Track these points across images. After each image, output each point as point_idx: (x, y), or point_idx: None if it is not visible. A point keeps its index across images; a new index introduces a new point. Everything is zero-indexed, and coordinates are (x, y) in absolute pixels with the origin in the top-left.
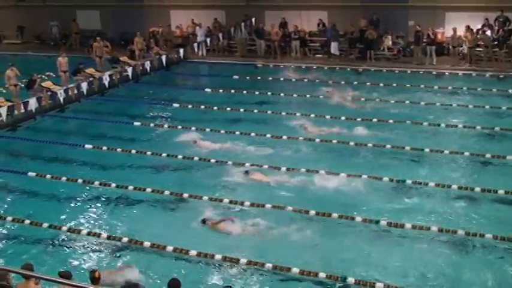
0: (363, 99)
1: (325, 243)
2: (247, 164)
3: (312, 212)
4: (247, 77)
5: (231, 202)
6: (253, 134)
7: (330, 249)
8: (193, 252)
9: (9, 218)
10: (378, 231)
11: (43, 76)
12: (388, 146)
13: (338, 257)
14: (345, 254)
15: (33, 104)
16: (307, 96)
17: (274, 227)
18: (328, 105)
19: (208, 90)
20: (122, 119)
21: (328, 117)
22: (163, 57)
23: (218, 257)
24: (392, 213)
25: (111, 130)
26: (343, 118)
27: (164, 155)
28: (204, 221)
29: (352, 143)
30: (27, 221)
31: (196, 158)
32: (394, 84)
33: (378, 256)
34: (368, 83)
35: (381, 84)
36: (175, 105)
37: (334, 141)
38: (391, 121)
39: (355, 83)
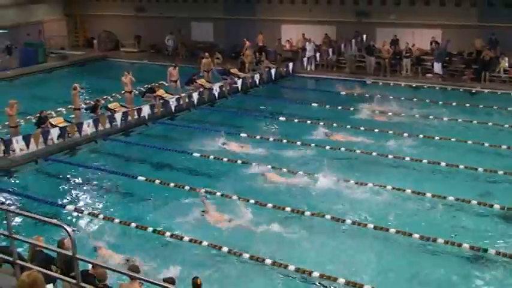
0: (475, 122)
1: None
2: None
3: None
4: (355, 94)
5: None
6: (358, 152)
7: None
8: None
9: (117, 220)
10: None
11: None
12: (501, 172)
13: None
14: None
15: (146, 110)
16: (416, 116)
17: None
18: (438, 126)
19: (315, 105)
20: (229, 130)
21: (437, 138)
22: (273, 71)
23: None
24: None
25: (219, 139)
26: (453, 140)
27: (269, 166)
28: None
29: (462, 166)
30: (133, 224)
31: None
32: (510, 108)
33: None
34: (481, 106)
35: (495, 107)
36: (282, 118)
37: (443, 163)
38: (504, 147)
39: (467, 105)
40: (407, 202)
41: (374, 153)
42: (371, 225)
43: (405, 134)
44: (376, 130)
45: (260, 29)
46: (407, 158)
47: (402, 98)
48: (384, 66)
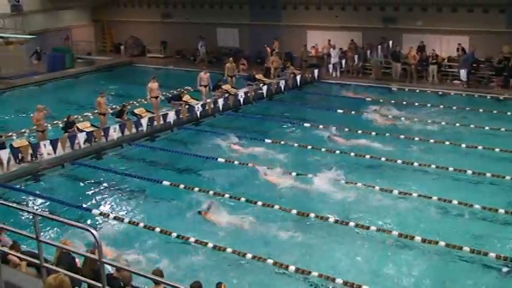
0: (502, 129)
1: None
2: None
3: None
4: (381, 100)
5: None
6: (383, 159)
7: None
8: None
9: (141, 225)
10: None
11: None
12: None
13: None
14: None
15: (172, 116)
16: (443, 123)
17: None
18: (464, 134)
19: (340, 111)
20: (253, 136)
21: (463, 146)
22: (298, 77)
23: None
24: None
25: (243, 145)
26: (480, 147)
27: (294, 173)
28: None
29: (489, 174)
30: (158, 229)
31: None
32: None
33: None
34: (509, 113)
35: None
36: (306, 124)
37: (469, 171)
38: None
39: (495, 112)
40: (433, 210)
41: (399, 161)
42: (396, 233)
43: (431, 141)
44: (402, 137)
45: (277, 35)
46: (433, 166)
47: (428, 105)
48: (409, 73)
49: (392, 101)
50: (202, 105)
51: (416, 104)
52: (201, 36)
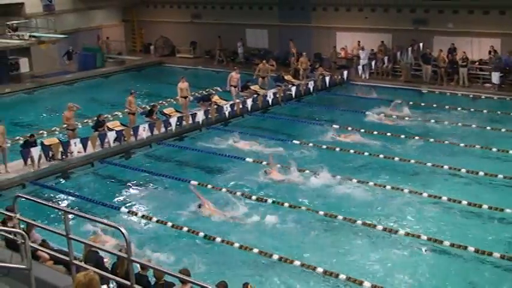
0: None
1: None
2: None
3: None
4: (411, 103)
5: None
6: (412, 161)
7: None
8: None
9: (169, 224)
10: None
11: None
12: None
13: None
14: None
15: (200, 116)
16: (473, 126)
17: None
18: (495, 137)
19: (369, 113)
20: (281, 137)
21: (494, 150)
22: (327, 78)
23: None
24: None
25: (270, 146)
26: (510, 152)
27: (323, 174)
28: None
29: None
30: (185, 228)
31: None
32: None
33: None
34: None
35: None
36: (335, 126)
37: (500, 176)
38: None
39: None
40: (462, 214)
41: (429, 164)
42: (424, 237)
43: (461, 144)
44: (432, 140)
45: (291, 36)
46: (463, 170)
47: (459, 108)
48: (440, 75)
49: (422, 104)
50: (231, 106)
51: (447, 106)
52: (241, 39)
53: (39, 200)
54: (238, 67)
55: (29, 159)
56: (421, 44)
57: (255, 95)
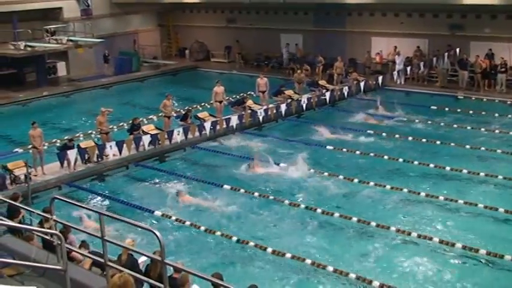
0: None
1: None
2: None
3: None
4: (447, 109)
5: None
6: (448, 168)
7: None
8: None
9: (202, 228)
10: None
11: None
12: None
13: None
14: None
15: (234, 120)
16: (510, 133)
17: None
18: None
19: (404, 119)
20: (314, 142)
21: None
22: (362, 83)
23: None
24: None
25: (304, 152)
26: None
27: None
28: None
29: None
30: (218, 233)
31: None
32: None
33: None
34: None
35: None
36: (370, 131)
37: None
38: None
39: None
40: (498, 222)
41: (464, 171)
42: (459, 245)
43: (498, 151)
44: (467, 146)
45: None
46: (500, 177)
47: (496, 115)
48: (477, 81)
49: (458, 110)
50: (264, 111)
51: (483, 113)
52: (287, 44)
53: (75, 202)
54: (267, 70)
55: (65, 162)
56: (457, 50)
57: (289, 100)
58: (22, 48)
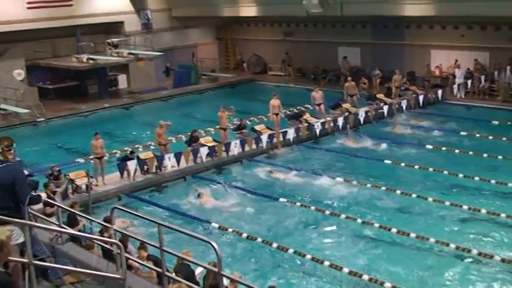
0: None
1: None
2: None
3: None
4: (509, 123)
5: None
6: (510, 185)
7: None
8: None
9: (259, 240)
10: None
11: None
12: None
13: None
14: None
15: (291, 133)
16: None
17: None
18: None
19: (463, 133)
20: (372, 155)
21: None
22: (421, 97)
23: None
24: None
25: (359, 166)
26: None
27: (414, 195)
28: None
29: None
30: (275, 245)
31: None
32: None
33: None
34: None
35: None
36: (429, 146)
37: None
38: None
39: None
40: None
41: None
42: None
43: None
44: None
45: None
46: None
47: None
48: None
49: None
50: (322, 124)
51: None
52: (345, 57)
53: (134, 212)
54: (324, 83)
55: (125, 172)
56: None
57: (346, 113)
58: (85, 61)
